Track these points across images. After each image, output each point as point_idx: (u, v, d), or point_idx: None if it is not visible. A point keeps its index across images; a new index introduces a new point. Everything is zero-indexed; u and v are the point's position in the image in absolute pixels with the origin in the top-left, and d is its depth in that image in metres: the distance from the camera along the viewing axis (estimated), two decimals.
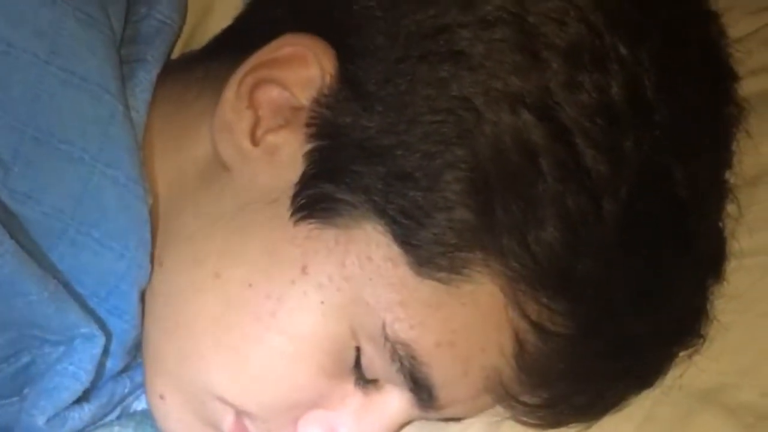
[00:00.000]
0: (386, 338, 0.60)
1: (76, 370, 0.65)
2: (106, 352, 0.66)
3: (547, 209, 0.58)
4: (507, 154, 0.58)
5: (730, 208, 0.67)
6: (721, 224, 0.65)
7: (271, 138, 0.62)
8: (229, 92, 0.62)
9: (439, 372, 0.61)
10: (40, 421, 0.65)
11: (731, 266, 0.66)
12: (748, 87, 0.69)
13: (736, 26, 0.70)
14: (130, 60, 0.65)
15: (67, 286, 0.64)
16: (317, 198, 0.61)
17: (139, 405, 0.71)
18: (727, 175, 0.67)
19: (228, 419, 0.65)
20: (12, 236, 0.61)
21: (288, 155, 0.62)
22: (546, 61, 0.58)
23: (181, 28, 0.70)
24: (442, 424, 0.66)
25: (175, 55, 0.71)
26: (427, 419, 0.65)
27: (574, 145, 0.58)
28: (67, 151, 0.62)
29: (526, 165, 0.58)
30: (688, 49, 0.63)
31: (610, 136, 0.58)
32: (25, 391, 0.66)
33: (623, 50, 0.59)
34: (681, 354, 0.64)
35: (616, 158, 0.58)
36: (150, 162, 0.65)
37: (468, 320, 0.60)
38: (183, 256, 0.64)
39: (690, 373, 0.64)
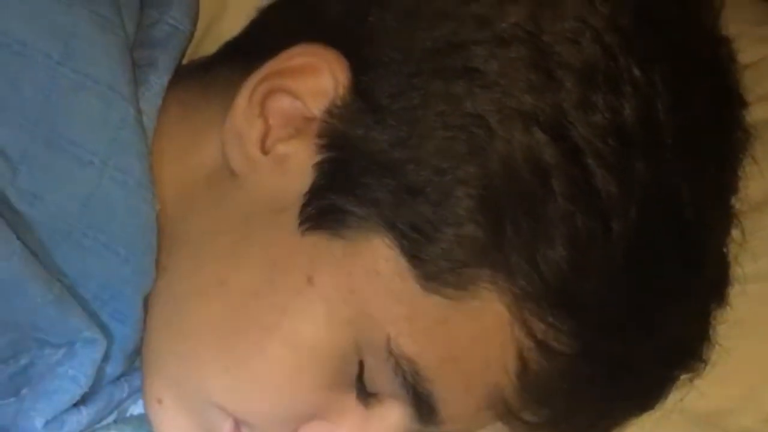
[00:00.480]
0: (390, 352, 0.60)
1: (76, 373, 0.65)
2: (106, 356, 0.66)
3: (556, 228, 0.58)
4: (519, 173, 0.58)
5: (735, 233, 0.67)
6: (725, 249, 0.65)
7: (281, 147, 0.62)
8: (241, 100, 0.62)
9: (442, 387, 0.61)
10: (38, 423, 0.65)
11: (734, 291, 0.66)
12: (755, 114, 0.69)
13: (745, 53, 0.70)
14: (142, 64, 0.65)
15: (70, 288, 0.64)
16: (326, 209, 0.61)
17: (137, 409, 0.70)
18: (733, 200, 0.67)
19: (227, 428, 0.65)
20: (18, 237, 0.61)
21: (298, 165, 0.62)
22: (560, 80, 0.58)
23: (192, 34, 0.70)
24: None
25: (185, 59, 0.71)
26: None
27: (586, 165, 0.58)
28: (76, 153, 0.62)
29: (538, 184, 0.58)
30: (699, 73, 0.63)
31: (622, 158, 0.59)
32: (23, 391, 0.66)
33: (636, 72, 0.59)
34: (683, 377, 0.64)
35: (627, 180, 0.58)
36: (158, 167, 0.65)
37: (473, 337, 0.60)
38: (188, 262, 0.64)
39: (691, 397, 0.65)
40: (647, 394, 0.64)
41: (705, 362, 0.64)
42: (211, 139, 0.64)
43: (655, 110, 0.59)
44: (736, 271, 0.66)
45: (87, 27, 0.62)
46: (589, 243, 0.58)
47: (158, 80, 0.65)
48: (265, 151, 0.62)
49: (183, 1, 0.69)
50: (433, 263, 0.59)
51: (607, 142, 0.58)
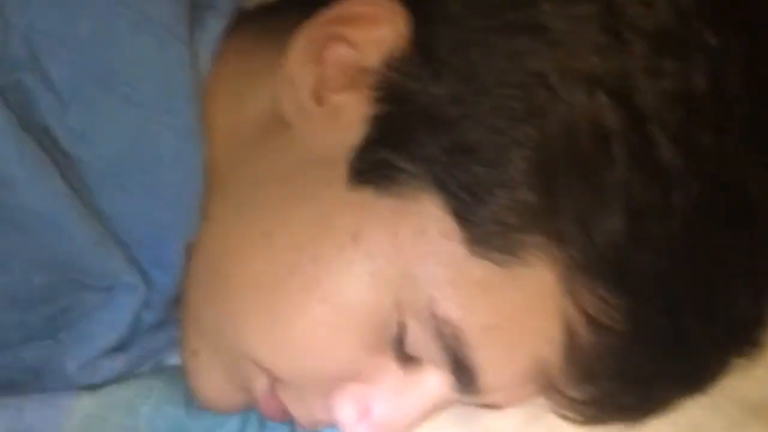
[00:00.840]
0: (433, 316, 0.58)
1: (113, 319, 0.64)
2: (145, 304, 0.65)
3: (614, 197, 0.56)
4: (578, 137, 0.56)
5: None
6: None
7: (335, 98, 0.60)
8: (297, 47, 0.61)
9: (484, 356, 0.59)
10: (72, 367, 0.65)
11: None
12: None
13: None
14: (201, 5, 0.64)
15: (113, 233, 0.63)
16: (377, 164, 0.59)
17: (173, 360, 0.69)
18: None
19: (261, 384, 0.63)
20: (63, 176, 0.60)
21: (351, 117, 0.60)
22: (629, 43, 0.56)
23: None
24: (479, 412, 0.64)
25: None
26: (465, 404, 0.63)
27: (650, 133, 0.56)
28: (128, 93, 0.61)
29: (597, 149, 0.56)
30: None
31: (688, 128, 0.56)
32: (60, 335, 0.65)
33: (711, 41, 0.56)
34: (736, 362, 0.61)
35: (691, 152, 0.56)
36: (210, 113, 0.63)
37: (519, 305, 0.58)
38: (233, 212, 0.63)
39: (744, 384, 0.62)
40: (697, 378, 0.61)
41: (761, 348, 0.61)
42: (266, 86, 0.63)
43: (728, 82, 0.57)
44: None
45: None
46: (646, 215, 0.56)
47: (217, 24, 0.64)
48: (318, 101, 0.61)
49: None
50: (482, 226, 0.57)
51: (674, 111, 0.56)
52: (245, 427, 0.68)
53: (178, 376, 0.67)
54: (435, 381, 0.61)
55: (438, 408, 0.63)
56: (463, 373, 0.59)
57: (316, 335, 0.61)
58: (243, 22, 0.65)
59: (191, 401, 0.67)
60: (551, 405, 0.61)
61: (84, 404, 0.65)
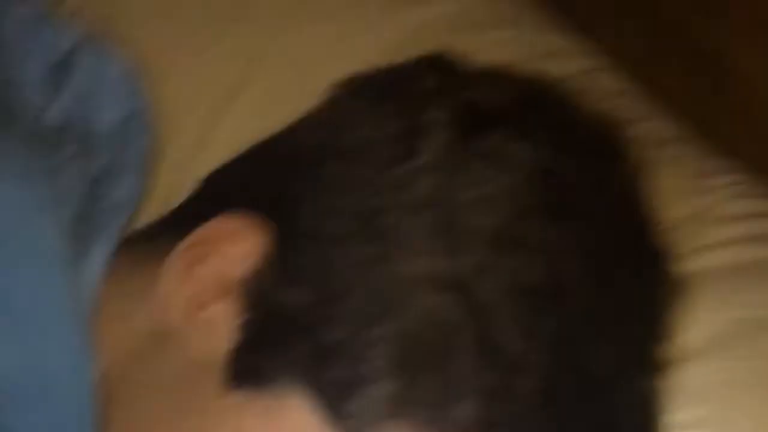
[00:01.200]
0: None
1: None
2: None
3: (464, 385, 0.60)
4: (428, 332, 0.61)
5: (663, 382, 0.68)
6: (647, 401, 0.66)
7: (208, 309, 0.65)
8: (170, 266, 0.66)
9: None
10: None
11: None
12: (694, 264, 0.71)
13: (674, 208, 0.72)
14: (85, 236, 0.69)
15: None
16: (248, 368, 0.63)
17: None
18: (662, 350, 0.68)
19: None
20: None
21: (223, 326, 0.64)
22: (467, 243, 0.61)
23: (137, 207, 0.73)
24: None
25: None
26: None
27: (491, 324, 0.60)
28: (19, 320, 0.65)
29: (445, 342, 0.60)
30: (618, 231, 0.65)
31: (527, 317, 0.61)
32: None
33: (547, 234, 0.62)
34: None
35: (531, 338, 0.61)
36: (98, 334, 0.67)
37: None
38: (125, 422, 0.66)
39: None
40: None
41: None
42: (146, 306, 0.67)
43: (564, 271, 0.62)
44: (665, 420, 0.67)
45: (28, 206, 0.65)
46: (496, 399, 0.60)
47: (100, 251, 0.68)
48: (192, 314, 0.65)
49: (132, 177, 0.74)
50: (351, 419, 0.61)
51: (512, 302, 0.61)
52: None
53: None
54: None
55: None
56: None
57: None
58: (124, 247, 0.70)
59: None
60: None
61: None
